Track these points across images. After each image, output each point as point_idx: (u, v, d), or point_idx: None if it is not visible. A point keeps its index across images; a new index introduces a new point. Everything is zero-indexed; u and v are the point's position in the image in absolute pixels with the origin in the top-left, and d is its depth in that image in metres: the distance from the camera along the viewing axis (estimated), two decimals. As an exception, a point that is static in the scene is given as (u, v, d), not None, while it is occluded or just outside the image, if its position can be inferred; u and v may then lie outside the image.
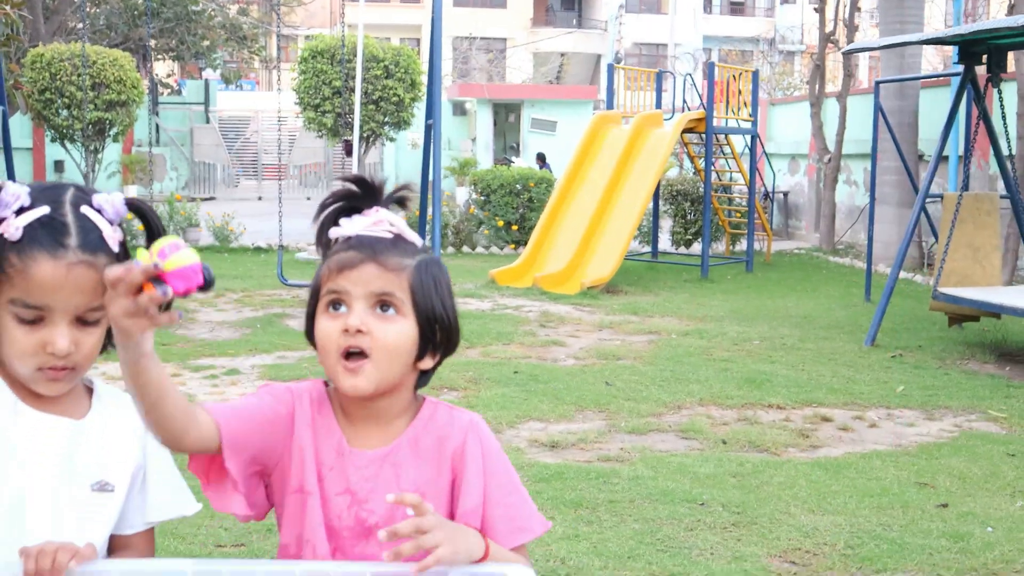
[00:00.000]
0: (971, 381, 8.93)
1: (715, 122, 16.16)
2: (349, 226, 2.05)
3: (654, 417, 7.59)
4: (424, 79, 18.95)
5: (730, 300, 13.56)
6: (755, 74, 17.12)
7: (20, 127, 21.76)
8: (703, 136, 16.78)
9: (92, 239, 1.94)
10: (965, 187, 10.52)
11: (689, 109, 17.64)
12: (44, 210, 1.94)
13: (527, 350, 10.06)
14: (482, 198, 18.56)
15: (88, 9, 28.73)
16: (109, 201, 1.98)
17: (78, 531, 1.94)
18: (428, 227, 10.99)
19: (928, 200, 11.37)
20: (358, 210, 2.08)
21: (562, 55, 48.47)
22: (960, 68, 10.75)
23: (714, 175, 17.64)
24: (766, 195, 20.84)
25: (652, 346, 10.36)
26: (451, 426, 2.10)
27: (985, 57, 10.43)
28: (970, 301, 9.99)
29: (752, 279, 15.84)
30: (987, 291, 10.16)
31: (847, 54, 13.20)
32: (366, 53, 17.79)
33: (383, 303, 2.01)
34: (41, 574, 1.82)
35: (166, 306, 1.70)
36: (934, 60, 33.40)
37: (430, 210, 10.83)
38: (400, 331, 2.01)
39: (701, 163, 17.71)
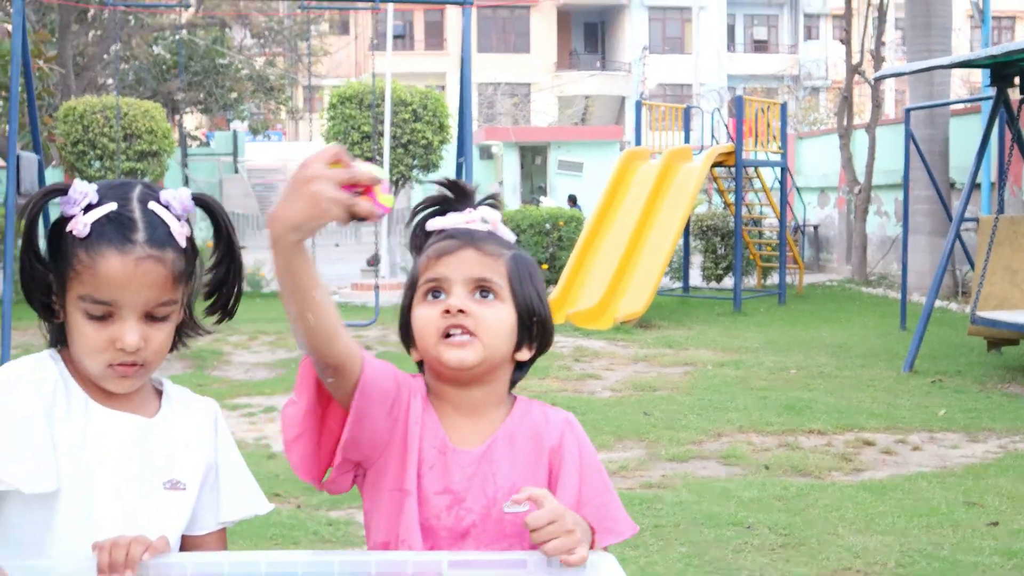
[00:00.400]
0: (1013, 403, 8.83)
1: (744, 155, 16.14)
2: (446, 220, 2.07)
3: (694, 445, 7.53)
4: (451, 122, 19.06)
5: (764, 332, 13.49)
6: (783, 107, 17.12)
7: (52, 179, 21.94)
8: (731, 170, 16.77)
9: (159, 234, 1.93)
10: (1000, 210, 10.45)
11: (717, 144, 17.64)
12: (111, 206, 1.93)
13: (563, 383, 10.02)
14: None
15: (118, 65, 29.05)
16: (176, 197, 1.99)
17: (150, 530, 1.90)
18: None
19: (962, 228, 11.28)
20: (447, 212, 2.09)
21: (586, 98, 48.64)
22: (991, 91, 10.71)
23: (744, 209, 17.60)
24: (796, 228, 20.78)
25: (688, 377, 10.30)
26: (547, 423, 2.07)
27: (1017, 79, 10.38)
28: (1009, 324, 9.90)
29: (785, 311, 15.76)
30: (1025, 314, 10.07)
31: (879, 79, 13.17)
32: (394, 97, 17.90)
33: (482, 288, 2.00)
34: (115, 567, 1.80)
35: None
36: (961, 91, 33.33)
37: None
38: (500, 315, 2.00)
39: (730, 197, 17.68)
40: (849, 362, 10.97)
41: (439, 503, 1.99)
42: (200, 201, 2.04)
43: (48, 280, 1.98)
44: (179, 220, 1.98)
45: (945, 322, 13.72)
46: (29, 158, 11.06)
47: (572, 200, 27.72)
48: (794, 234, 20.05)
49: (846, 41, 19.77)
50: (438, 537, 1.99)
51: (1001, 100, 10.46)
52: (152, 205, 1.96)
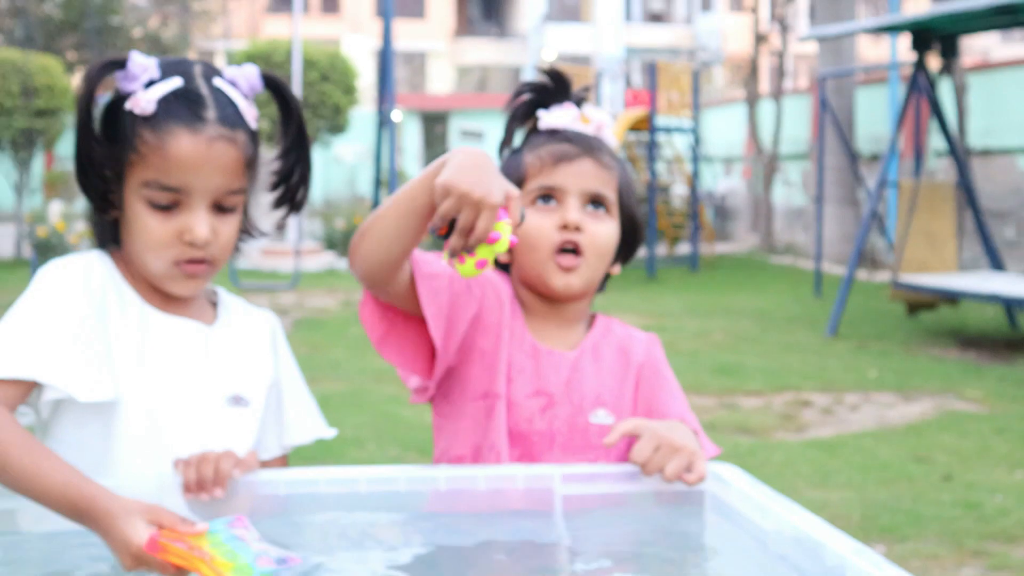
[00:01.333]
0: (941, 366, 8.95)
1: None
2: (555, 117, 1.98)
3: (636, 405, 7.49)
4: (359, 83, 18.80)
5: (682, 298, 13.54)
6: (696, 74, 17.17)
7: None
8: (642, 136, 16.77)
9: (230, 112, 1.77)
10: (918, 176, 10.58)
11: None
12: (177, 82, 1.77)
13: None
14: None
15: (3, 21, 28.22)
16: (243, 74, 1.82)
17: (217, 448, 1.72)
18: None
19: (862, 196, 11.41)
20: (545, 104, 2.01)
21: (483, 68, 48.47)
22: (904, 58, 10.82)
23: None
24: (705, 197, 20.93)
25: (616, 340, 10.27)
26: (631, 339, 2.04)
27: (937, 46, 10.50)
28: (931, 288, 10.05)
29: (699, 279, 15.86)
30: (946, 277, 10.23)
31: (804, 40, 13.24)
32: (302, 58, 17.56)
33: (595, 201, 1.95)
34: (202, 484, 1.65)
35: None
36: (865, 61, 33.85)
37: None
38: (609, 231, 1.96)
39: (641, 165, 17.70)
40: (772, 327, 11.05)
41: (532, 406, 1.91)
42: (269, 80, 1.86)
43: (107, 164, 1.79)
44: (246, 99, 1.82)
45: (857, 289, 13.89)
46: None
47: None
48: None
49: (754, 9, 19.90)
50: (529, 442, 1.91)
51: (921, 65, 10.57)
52: (218, 82, 1.80)
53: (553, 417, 1.92)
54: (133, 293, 1.81)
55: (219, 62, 45.32)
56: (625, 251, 2.03)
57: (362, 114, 22.46)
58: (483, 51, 49.67)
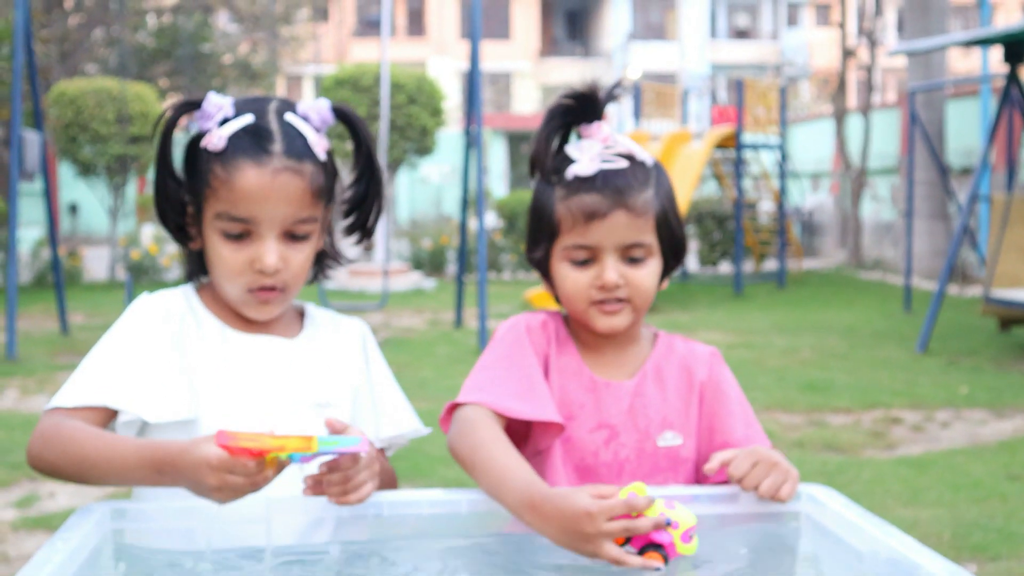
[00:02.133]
0: (1034, 382, 8.81)
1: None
2: (584, 156, 1.94)
3: (723, 422, 7.47)
4: (446, 106, 18.94)
5: (769, 315, 13.45)
6: (783, 90, 17.07)
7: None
8: (728, 154, 16.71)
9: (297, 145, 1.85)
10: (1009, 190, 10.43)
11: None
12: (248, 119, 1.86)
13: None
14: (506, 224, 18.48)
15: (99, 50, 28.87)
16: (315, 108, 1.90)
17: None
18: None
19: (956, 211, 11.26)
20: (576, 123, 1.97)
21: (568, 87, 48.45)
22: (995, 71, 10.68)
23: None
24: (792, 213, 20.77)
25: (703, 358, 10.23)
26: (693, 356, 2.03)
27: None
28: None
29: (786, 295, 15.74)
30: (1040, 293, 10.07)
31: (893, 55, 13.10)
32: (389, 81, 17.76)
33: (631, 252, 1.93)
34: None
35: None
36: (955, 74, 33.41)
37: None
38: (651, 273, 1.95)
39: (728, 181, 17.64)
40: (860, 343, 10.94)
41: (596, 440, 1.94)
42: (340, 113, 1.94)
43: (183, 199, 1.90)
44: (317, 132, 1.90)
45: (947, 305, 13.71)
46: (32, 138, 10.92)
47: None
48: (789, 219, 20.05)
49: (842, 24, 19.74)
50: (596, 475, 1.93)
51: (1014, 77, 10.43)
52: (289, 117, 1.88)
53: (619, 447, 1.94)
54: (212, 318, 1.92)
55: (307, 87, 45.97)
56: (670, 268, 2.02)
57: (448, 135, 22.63)
58: (568, 70, 49.75)
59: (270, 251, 1.84)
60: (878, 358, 10.03)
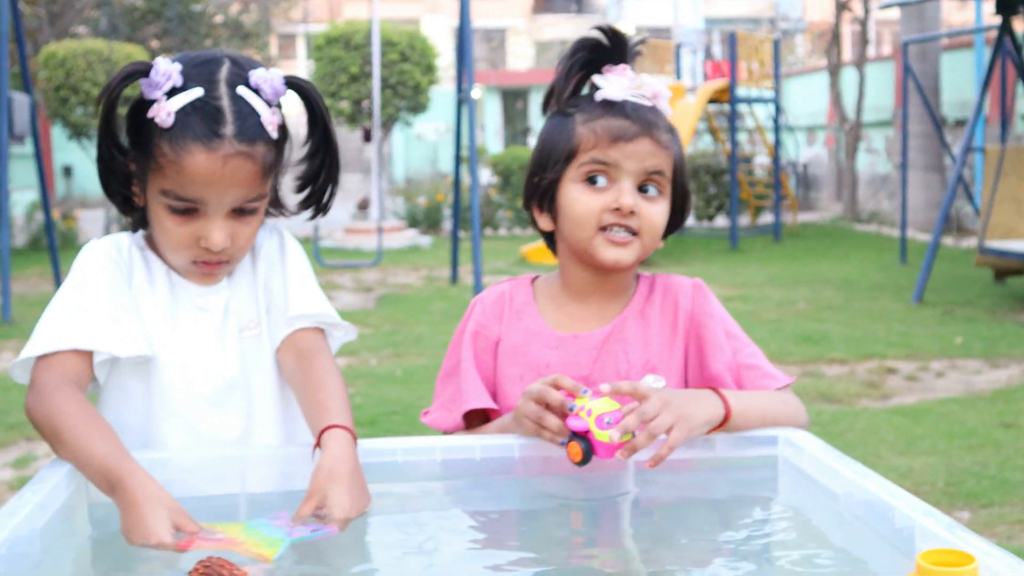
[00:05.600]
0: (1029, 331, 8.82)
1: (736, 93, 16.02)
2: (613, 87, 1.92)
3: (718, 375, 7.48)
4: (439, 63, 18.84)
5: (765, 268, 13.46)
6: (776, 43, 16.99)
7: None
8: (724, 107, 16.65)
9: (249, 126, 1.78)
10: (1005, 141, 10.40)
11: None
12: (198, 92, 1.77)
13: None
14: (501, 181, 18.44)
15: (89, 12, 28.67)
16: (267, 79, 1.81)
17: (237, 381, 1.90)
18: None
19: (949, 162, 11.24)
20: (599, 65, 1.94)
21: (563, 43, 48.28)
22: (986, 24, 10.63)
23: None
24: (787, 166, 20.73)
25: (698, 312, 10.24)
26: (678, 290, 2.01)
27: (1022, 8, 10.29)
28: (1018, 253, 9.88)
29: (782, 248, 15.73)
30: (1035, 242, 10.06)
31: (886, 7, 13.05)
32: (381, 39, 17.66)
33: (649, 182, 1.91)
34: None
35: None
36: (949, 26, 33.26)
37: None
38: (662, 212, 1.93)
39: (723, 136, 17.59)
40: (856, 295, 10.95)
41: None
42: (292, 84, 1.86)
43: (128, 171, 1.84)
44: (270, 107, 1.82)
45: (942, 256, 13.69)
46: (21, 99, 10.85)
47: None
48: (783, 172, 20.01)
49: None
50: None
51: (1007, 28, 10.38)
52: (241, 91, 1.79)
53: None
54: (158, 261, 1.90)
55: (299, 45, 45.69)
56: (674, 224, 2.00)
57: (442, 92, 22.54)
58: (562, 26, 49.48)
59: (217, 229, 1.80)
60: (874, 310, 10.04)
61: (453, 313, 10.01)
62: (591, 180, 1.90)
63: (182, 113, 1.75)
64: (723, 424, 1.80)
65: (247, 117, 1.78)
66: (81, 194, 27.17)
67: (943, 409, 6.49)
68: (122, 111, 1.82)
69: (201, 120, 1.75)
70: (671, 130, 1.95)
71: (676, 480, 1.80)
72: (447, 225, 18.32)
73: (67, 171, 27.79)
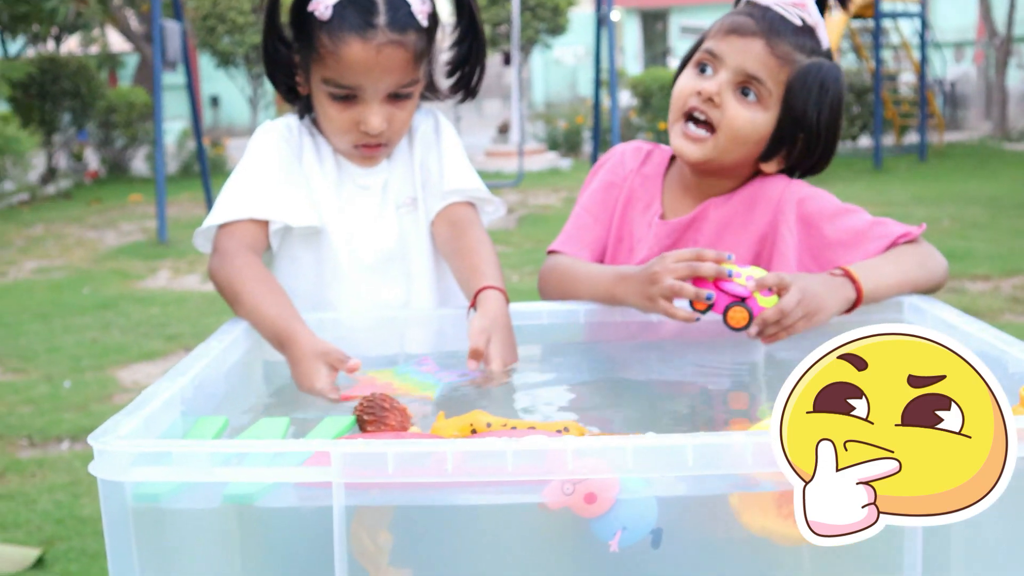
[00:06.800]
0: None
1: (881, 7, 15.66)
2: None
3: (859, 290, 7.46)
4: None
5: (909, 188, 13.22)
6: (922, -45, 16.53)
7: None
8: (868, 23, 16.29)
9: (401, 16, 1.91)
10: None
11: None
12: None
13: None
14: (641, 103, 18.37)
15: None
16: None
17: (396, 255, 2.03)
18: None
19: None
20: None
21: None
22: None
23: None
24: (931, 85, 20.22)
25: (839, 229, 10.15)
26: (763, 184, 2.00)
27: None
28: None
29: (927, 168, 15.42)
30: None
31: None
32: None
33: (747, 85, 1.89)
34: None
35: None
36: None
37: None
38: (753, 120, 1.90)
39: (866, 53, 17.23)
40: (1003, 213, 10.73)
41: None
42: None
43: (291, 62, 1.99)
44: None
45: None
46: (172, 27, 11.17)
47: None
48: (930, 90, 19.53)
49: None
50: None
51: None
52: None
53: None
54: (327, 145, 2.05)
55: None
56: (787, 151, 1.96)
57: (582, 15, 22.45)
58: (702, -54, 48.67)
59: (375, 114, 1.93)
60: (1020, 227, 9.84)
61: (592, 232, 10.10)
62: (702, 68, 1.93)
63: (339, 6, 1.89)
64: (855, 306, 1.84)
65: (398, 7, 1.92)
66: (228, 123, 27.82)
67: (1091, 323, 6.40)
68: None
69: (356, 12, 1.89)
70: (810, 52, 1.90)
71: (802, 343, 1.84)
72: (587, 148, 18.35)
73: (214, 100, 28.44)
